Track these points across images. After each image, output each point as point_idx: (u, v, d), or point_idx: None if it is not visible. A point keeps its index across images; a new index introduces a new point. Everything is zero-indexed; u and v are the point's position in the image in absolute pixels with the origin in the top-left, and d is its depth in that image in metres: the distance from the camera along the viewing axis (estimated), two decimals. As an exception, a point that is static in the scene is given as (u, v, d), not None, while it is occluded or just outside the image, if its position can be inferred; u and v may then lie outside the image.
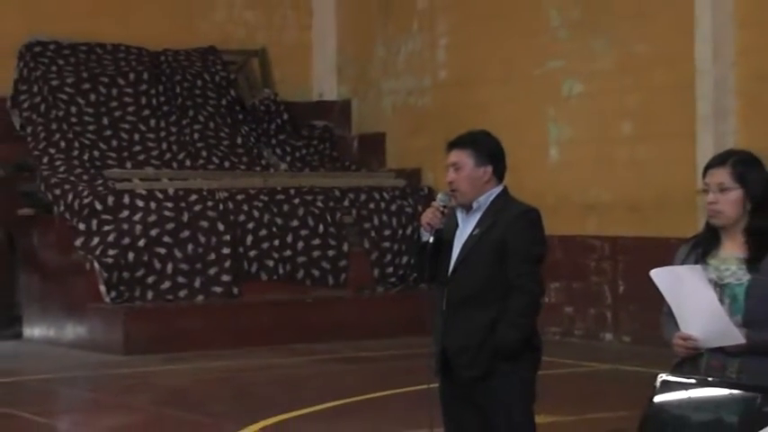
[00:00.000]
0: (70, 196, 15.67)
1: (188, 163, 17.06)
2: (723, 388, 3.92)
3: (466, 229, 5.68)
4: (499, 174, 5.73)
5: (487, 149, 5.73)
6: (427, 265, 5.73)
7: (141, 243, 15.26)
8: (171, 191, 15.88)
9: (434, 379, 5.79)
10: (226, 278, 15.54)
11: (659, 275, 4.94)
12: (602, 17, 15.12)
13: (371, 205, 16.72)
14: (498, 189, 5.72)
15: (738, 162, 5.04)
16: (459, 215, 5.71)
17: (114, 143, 17.03)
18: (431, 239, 5.68)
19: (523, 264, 5.62)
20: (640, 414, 3.88)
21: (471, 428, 5.58)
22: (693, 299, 4.87)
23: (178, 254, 15.38)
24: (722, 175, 4.99)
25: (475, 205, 5.67)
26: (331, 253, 16.21)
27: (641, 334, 13.50)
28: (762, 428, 3.42)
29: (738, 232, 4.97)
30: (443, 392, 5.76)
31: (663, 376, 4.01)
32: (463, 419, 5.64)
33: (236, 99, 18.32)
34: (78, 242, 15.30)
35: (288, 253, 16.02)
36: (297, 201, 16.35)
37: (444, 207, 5.69)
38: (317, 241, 16.17)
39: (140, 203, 15.53)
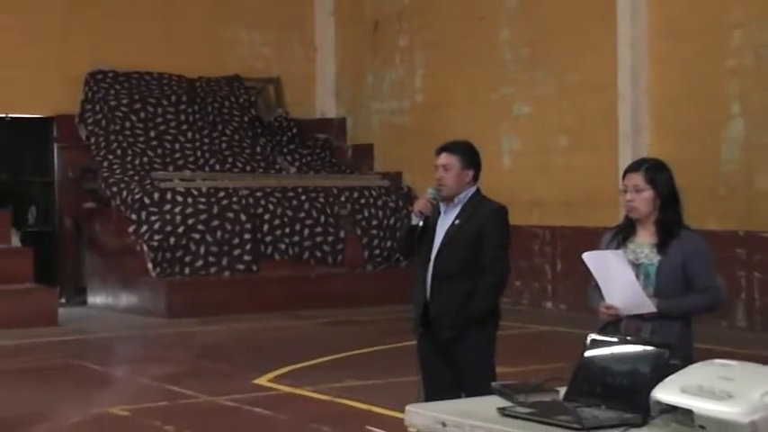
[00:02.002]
0: (124, 193, 15.68)
1: (217, 167, 17.03)
2: (638, 345, 3.96)
3: (447, 218, 5.68)
4: (476, 177, 5.75)
5: (471, 157, 5.74)
6: (413, 244, 5.75)
7: (180, 230, 15.25)
8: (204, 189, 15.88)
9: (414, 336, 5.79)
10: (247, 258, 15.55)
11: (588, 257, 4.98)
12: (544, 54, 15.12)
13: (362, 201, 16.71)
14: (474, 189, 5.74)
15: (650, 168, 5.06)
16: (442, 207, 5.71)
17: (159, 151, 17.00)
18: (420, 223, 5.71)
19: (495, 250, 5.65)
20: (574, 365, 3.91)
21: (445, 377, 5.57)
22: (615, 276, 4.91)
23: (209, 238, 15.36)
24: (637, 179, 5.01)
25: (456, 200, 5.67)
26: (330, 238, 16.21)
27: (575, 303, 13.55)
28: (668, 376, 3.44)
29: (650, 223, 5.00)
30: (422, 350, 5.76)
31: (591, 336, 4.03)
32: (439, 370, 5.65)
33: (256, 117, 18.28)
34: (131, 229, 15.30)
35: (296, 238, 16.01)
36: (303, 197, 16.35)
37: (434, 199, 5.72)
38: (318, 229, 16.17)
39: (179, 199, 15.53)
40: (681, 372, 3.47)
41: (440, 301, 5.64)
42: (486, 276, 5.63)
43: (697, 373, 3.43)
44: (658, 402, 3.35)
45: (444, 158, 5.71)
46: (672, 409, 3.30)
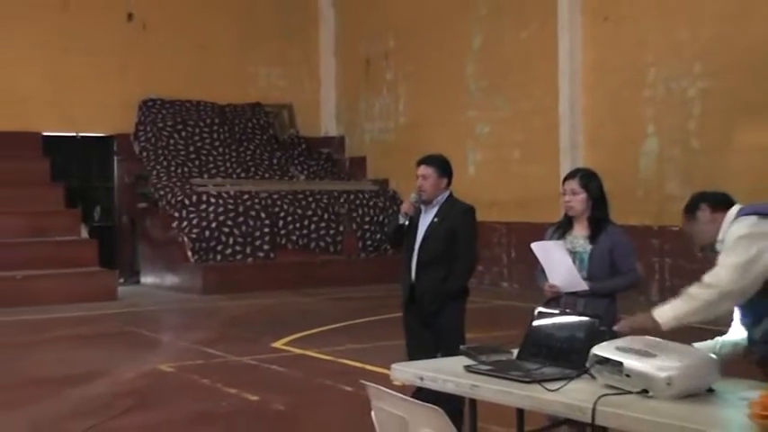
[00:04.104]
0: (169, 196, 15.63)
1: (242, 175, 16.99)
2: (575, 316, 3.95)
3: (427, 217, 5.65)
4: (449, 183, 5.73)
5: (445, 167, 5.70)
6: (400, 237, 5.74)
7: (213, 225, 15.20)
8: (232, 192, 15.82)
9: (401, 309, 5.77)
10: (266, 247, 15.50)
11: (536, 246, 4.97)
12: (501, 85, 15.11)
13: (357, 202, 16.66)
14: (448, 192, 5.70)
15: (584, 176, 5.05)
16: (423, 207, 5.68)
17: (196, 162, 16.95)
18: (406, 222, 5.70)
19: (466, 242, 5.63)
20: (525, 332, 3.90)
21: (428, 342, 5.54)
22: (557, 261, 4.90)
23: (236, 231, 15.31)
24: (574, 184, 5.00)
25: (434, 202, 5.64)
26: (332, 232, 16.16)
27: (525, 283, 13.53)
28: (600, 342, 3.44)
29: (584, 219, 4.99)
30: (408, 320, 5.73)
31: (538, 309, 4.03)
32: (420, 336, 5.63)
33: (273, 135, 18.24)
34: (174, 224, 15.25)
35: (305, 232, 15.96)
36: (310, 199, 16.30)
37: (416, 202, 5.70)
38: (322, 224, 16.12)
39: (212, 200, 15.47)
40: (618, 339, 3.48)
41: (423, 283, 5.62)
42: (459, 263, 5.61)
43: (631, 340, 3.45)
44: (596, 356, 3.35)
45: (423, 170, 5.67)
46: (605, 362, 3.30)
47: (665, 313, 3.65)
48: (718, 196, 3.87)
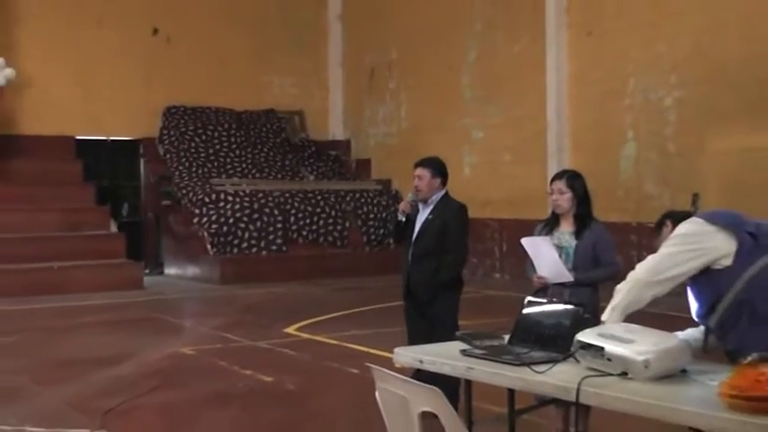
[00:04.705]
0: (191, 194, 15.62)
1: (257, 175, 16.98)
2: (561, 304, 3.95)
3: (423, 214, 5.66)
4: (444, 183, 5.73)
5: (438, 169, 5.71)
6: (401, 233, 5.75)
7: (231, 221, 15.20)
8: (247, 191, 15.81)
9: (401, 299, 5.78)
10: (278, 241, 15.50)
11: (525, 241, 4.98)
12: (494, 95, 15.11)
13: (362, 200, 16.66)
14: (443, 192, 5.72)
15: (570, 176, 5.06)
16: (420, 205, 5.70)
17: (215, 164, 16.94)
18: (404, 219, 5.70)
19: (457, 237, 5.63)
20: (515, 319, 3.90)
21: (424, 328, 5.54)
22: (544, 255, 4.91)
23: (251, 227, 15.31)
24: (561, 184, 5.01)
25: (430, 201, 5.66)
26: (339, 227, 16.16)
27: (516, 274, 13.57)
28: (582, 326, 3.44)
29: (570, 217, 5.00)
30: (407, 308, 5.75)
31: (528, 298, 4.03)
32: (418, 323, 5.64)
33: (285, 139, 18.21)
34: (195, 220, 15.25)
35: (314, 227, 15.96)
36: (319, 197, 16.30)
37: (413, 201, 5.71)
38: (330, 221, 16.12)
39: (230, 198, 15.46)
40: (600, 326, 3.48)
41: (417, 274, 5.63)
42: (450, 256, 5.60)
43: (612, 327, 3.44)
44: (579, 341, 3.35)
45: (419, 171, 5.68)
46: (588, 347, 3.31)
47: (607, 308, 3.65)
48: (682, 214, 3.85)
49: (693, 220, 3.62)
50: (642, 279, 3.55)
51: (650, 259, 3.59)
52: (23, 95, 15.80)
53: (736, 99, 11.36)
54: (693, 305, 3.63)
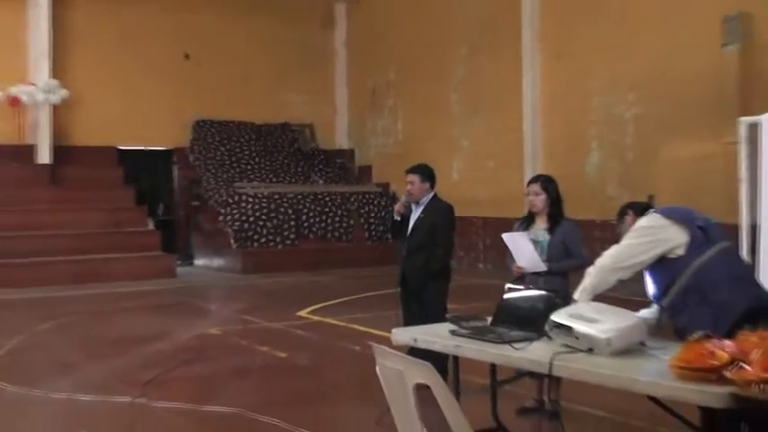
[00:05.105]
0: (216, 196, 15.61)
1: (274, 180, 16.93)
2: (537, 290, 3.95)
3: (416, 213, 5.68)
4: (432, 186, 5.74)
5: (427, 174, 5.73)
6: (398, 231, 5.75)
7: (251, 219, 15.17)
8: (265, 193, 15.78)
9: (397, 287, 5.78)
10: (292, 236, 15.47)
11: (506, 236, 5.00)
12: (479, 109, 15.08)
13: (364, 201, 16.63)
14: (432, 194, 5.74)
15: (544, 180, 5.08)
16: (413, 206, 5.72)
17: (237, 170, 16.91)
18: (398, 218, 5.71)
19: (444, 233, 5.65)
20: (497, 303, 3.90)
21: (417, 312, 5.54)
22: (522, 248, 4.92)
23: (268, 224, 15.27)
24: (536, 187, 5.03)
25: (420, 202, 5.68)
26: (344, 224, 16.13)
27: (498, 264, 13.52)
28: (555, 309, 3.44)
29: (544, 215, 5.02)
30: (402, 295, 5.75)
31: (508, 285, 4.04)
32: (411, 307, 5.65)
33: (298, 148, 18.15)
34: (220, 218, 15.23)
35: (323, 224, 15.93)
36: (327, 198, 16.27)
37: (406, 202, 5.72)
38: (337, 218, 16.09)
39: (250, 200, 15.44)
40: (572, 305, 3.47)
41: (410, 265, 5.66)
42: (438, 249, 5.63)
43: (582, 306, 3.44)
44: (552, 321, 3.35)
45: (410, 177, 5.72)
46: (560, 326, 3.31)
47: (578, 289, 3.66)
48: (642, 205, 3.87)
49: (652, 214, 3.64)
50: (607, 265, 3.56)
51: (614, 248, 3.61)
52: (74, 112, 15.81)
53: (685, 114, 11.38)
54: (650, 288, 3.65)
